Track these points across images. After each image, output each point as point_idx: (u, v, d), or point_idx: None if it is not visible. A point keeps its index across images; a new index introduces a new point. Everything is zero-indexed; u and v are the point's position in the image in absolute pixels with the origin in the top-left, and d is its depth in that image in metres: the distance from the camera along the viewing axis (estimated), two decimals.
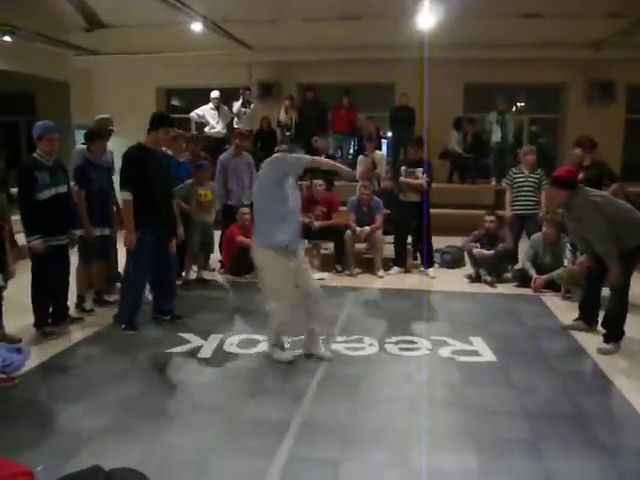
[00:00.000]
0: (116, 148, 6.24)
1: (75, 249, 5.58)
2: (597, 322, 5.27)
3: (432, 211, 7.62)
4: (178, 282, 6.85)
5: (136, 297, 5.31)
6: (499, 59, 11.45)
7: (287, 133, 11.08)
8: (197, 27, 10.51)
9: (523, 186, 7.44)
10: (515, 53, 11.23)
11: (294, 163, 4.40)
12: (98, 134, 5.79)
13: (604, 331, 4.99)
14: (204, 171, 6.95)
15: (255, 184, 4.71)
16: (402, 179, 7.48)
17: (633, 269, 4.83)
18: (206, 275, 7.18)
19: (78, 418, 3.62)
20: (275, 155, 4.47)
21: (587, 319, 5.35)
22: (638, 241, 4.71)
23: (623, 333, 4.89)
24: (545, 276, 6.57)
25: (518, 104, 13.15)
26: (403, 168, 7.50)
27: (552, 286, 6.60)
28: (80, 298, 5.87)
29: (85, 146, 5.87)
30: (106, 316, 5.57)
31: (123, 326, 5.26)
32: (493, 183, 11.02)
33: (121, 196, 5.07)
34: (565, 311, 5.92)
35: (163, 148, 6.38)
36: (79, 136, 13.00)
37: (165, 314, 5.54)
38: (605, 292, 5.25)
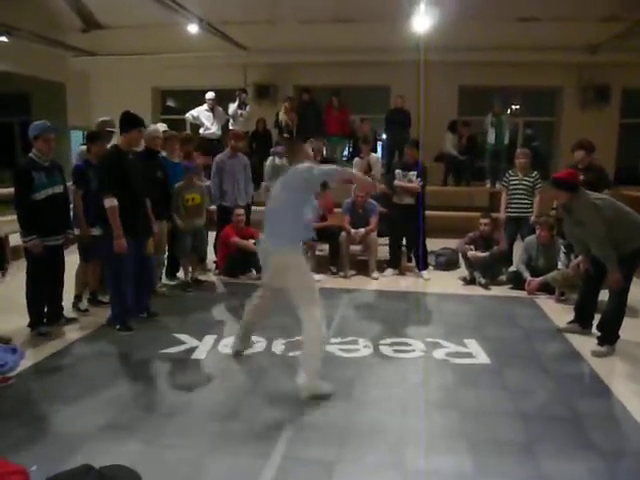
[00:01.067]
0: None
1: (71, 249, 5.58)
2: (592, 325, 5.28)
3: (427, 213, 7.64)
4: (173, 283, 6.90)
5: (124, 298, 5.30)
6: (494, 62, 11.50)
7: (286, 135, 11.08)
8: (193, 29, 10.54)
9: (517, 189, 7.50)
10: (510, 56, 11.29)
11: (321, 174, 4.09)
12: (98, 135, 5.81)
13: (599, 334, 5.01)
14: (191, 174, 6.85)
15: (279, 187, 4.28)
16: (396, 182, 7.50)
17: (633, 273, 4.84)
18: (201, 276, 7.16)
19: (73, 418, 3.62)
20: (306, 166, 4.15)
21: (582, 321, 5.37)
22: (638, 244, 4.72)
23: (618, 336, 4.91)
24: (539, 279, 6.59)
25: (513, 107, 13.20)
26: (397, 171, 7.51)
27: (546, 289, 6.63)
28: (77, 298, 5.87)
29: (85, 147, 5.92)
30: (101, 316, 5.56)
31: (118, 327, 5.26)
32: (488, 185, 11.07)
33: (106, 204, 4.95)
34: (559, 314, 5.94)
35: (161, 150, 6.42)
36: (75, 137, 13.06)
37: (142, 312, 5.58)
38: (602, 295, 5.28)
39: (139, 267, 5.35)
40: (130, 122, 5.19)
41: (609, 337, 4.90)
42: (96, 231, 5.64)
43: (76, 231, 5.58)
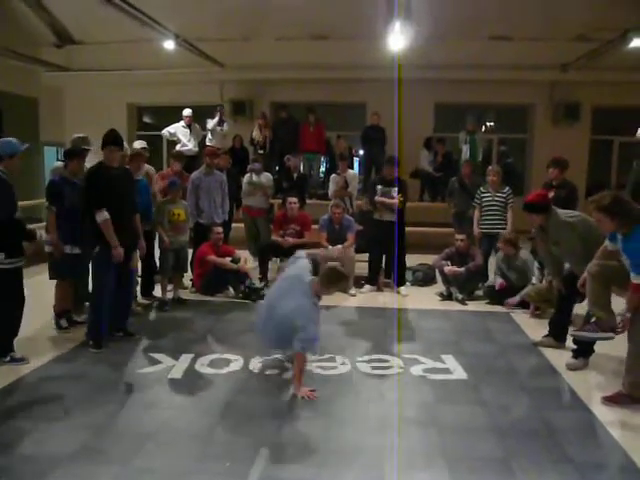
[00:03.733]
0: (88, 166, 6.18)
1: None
2: (566, 339, 5.35)
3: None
4: (147, 301, 6.82)
5: (99, 313, 5.25)
6: (469, 80, 11.71)
7: (260, 151, 11.10)
8: (169, 45, 10.54)
9: (490, 205, 7.62)
10: (484, 74, 11.50)
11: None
12: (76, 152, 5.75)
13: (573, 347, 5.07)
14: (176, 189, 6.87)
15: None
16: (377, 198, 7.53)
17: None
18: (183, 294, 7.09)
19: (45, 441, 3.54)
20: None
21: (557, 336, 5.43)
22: None
23: (593, 350, 4.97)
24: (517, 298, 6.68)
25: (487, 124, 13.40)
26: (379, 187, 7.54)
27: (522, 303, 6.70)
28: (58, 316, 5.76)
29: (61, 163, 5.86)
30: (76, 337, 5.48)
31: (90, 342, 5.22)
32: None
33: (99, 217, 5.00)
34: (534, 328, 5.99)
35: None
36: (48, 153, 12.91)
37: (118, 331, 5.51)
38: (577, 309, 5.35)
39: (124, 282, 5.37)
40: (104, 140, 5.22)
41: (584, 350, 4.96)
42: (70, 249, 5.56)
43: (47, 248, 5.52)
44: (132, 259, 5.51)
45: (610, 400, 4.18)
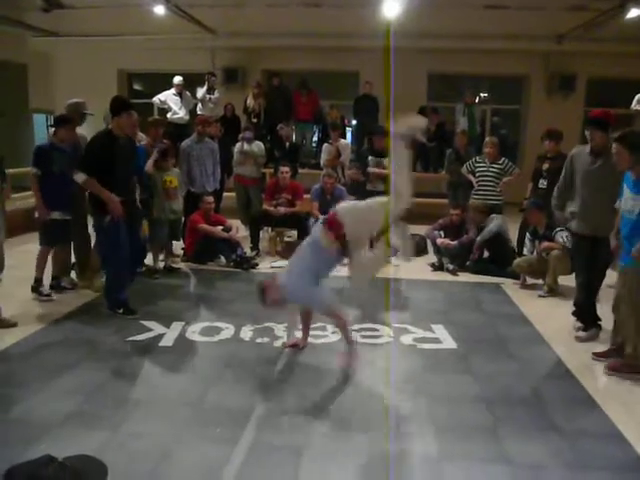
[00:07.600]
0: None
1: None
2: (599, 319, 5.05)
3: None
4: (139, 269, 6.80)
5: (122, 279, 5.24)
6: (463, 49, 11.59)
7: (254, 120, 11.00)
8: (160, 10, 10.34)
9: (485, 176, 7.57)
10: (479, 44, 11.38)
11: None
12: (67, 119, 5.66)
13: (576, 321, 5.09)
14: (169, 157, 6.82)
15: None
16: (370, 169, 7.50)
17: None
18: (174, 263, 7.07)
19: (37, 406, 3.55)
20: None
21: (592, 323, 5.04)
22: None
23: (598, 318, 4.97)
24: None
25: (481, 94, 13.31)
26: (370, 158, 7.51)
27: (512, 276, 6.72)
28: (37, 282, 5.72)
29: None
30: (65, 303, 5.47)
31: (121, 311, 5.20)
32: None
33: (78, 179, 4.92)
34: (524, 299, 6.04)
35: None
36: (38, 120, 12.73)
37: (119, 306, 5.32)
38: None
39: (133, 250, 5.30)
40: (118, 106, 5.11)
41: (592, 320, 4.96)
42: (59, 215, 5.52)
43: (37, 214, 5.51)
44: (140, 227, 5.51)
45: (613, 369, 4.20)
